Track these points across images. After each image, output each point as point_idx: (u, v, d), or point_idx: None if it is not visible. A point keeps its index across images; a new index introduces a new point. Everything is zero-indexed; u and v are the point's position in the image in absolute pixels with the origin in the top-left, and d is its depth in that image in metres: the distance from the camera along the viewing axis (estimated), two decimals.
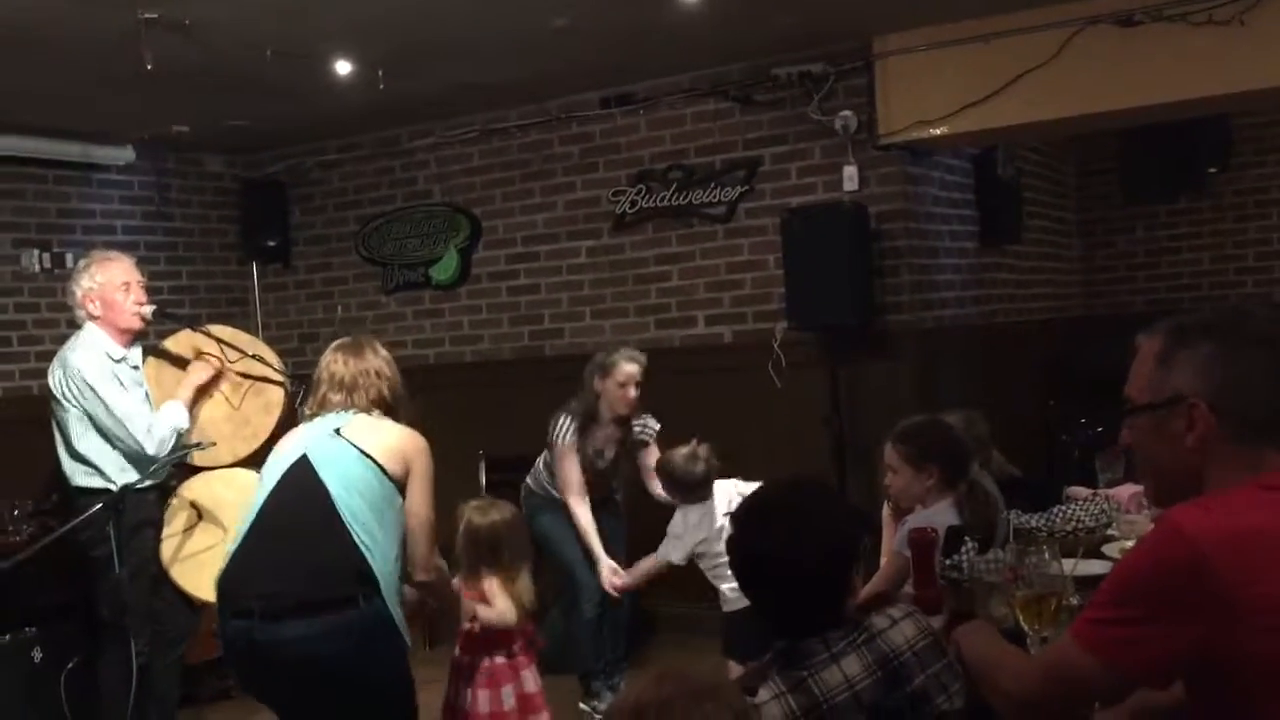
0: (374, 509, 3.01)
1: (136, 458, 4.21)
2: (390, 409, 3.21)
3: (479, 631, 3.58)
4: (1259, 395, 1.67)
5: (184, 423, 4.26)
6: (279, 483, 3.07)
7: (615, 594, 4.62)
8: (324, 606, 2.90)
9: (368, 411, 3.17)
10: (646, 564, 4.47)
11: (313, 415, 3.21)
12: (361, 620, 2.92)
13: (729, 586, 4.13)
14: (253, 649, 2.95)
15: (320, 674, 2.93)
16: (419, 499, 3.10)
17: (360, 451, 3.05)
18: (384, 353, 3.29)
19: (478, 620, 3.56)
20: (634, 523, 5.02)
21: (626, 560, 4.78)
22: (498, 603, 3.57)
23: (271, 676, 3.01)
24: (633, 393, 4.67)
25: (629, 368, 4.65)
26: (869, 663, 1.92)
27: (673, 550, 4.31)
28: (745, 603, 4.09)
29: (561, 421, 4.70)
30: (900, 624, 1.99)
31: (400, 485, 3.08)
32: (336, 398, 3.18)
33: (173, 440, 4.22)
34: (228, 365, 4.43)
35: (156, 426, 4.20)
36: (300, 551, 2.97)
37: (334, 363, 3.23)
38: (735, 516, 2.16)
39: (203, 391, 4.42)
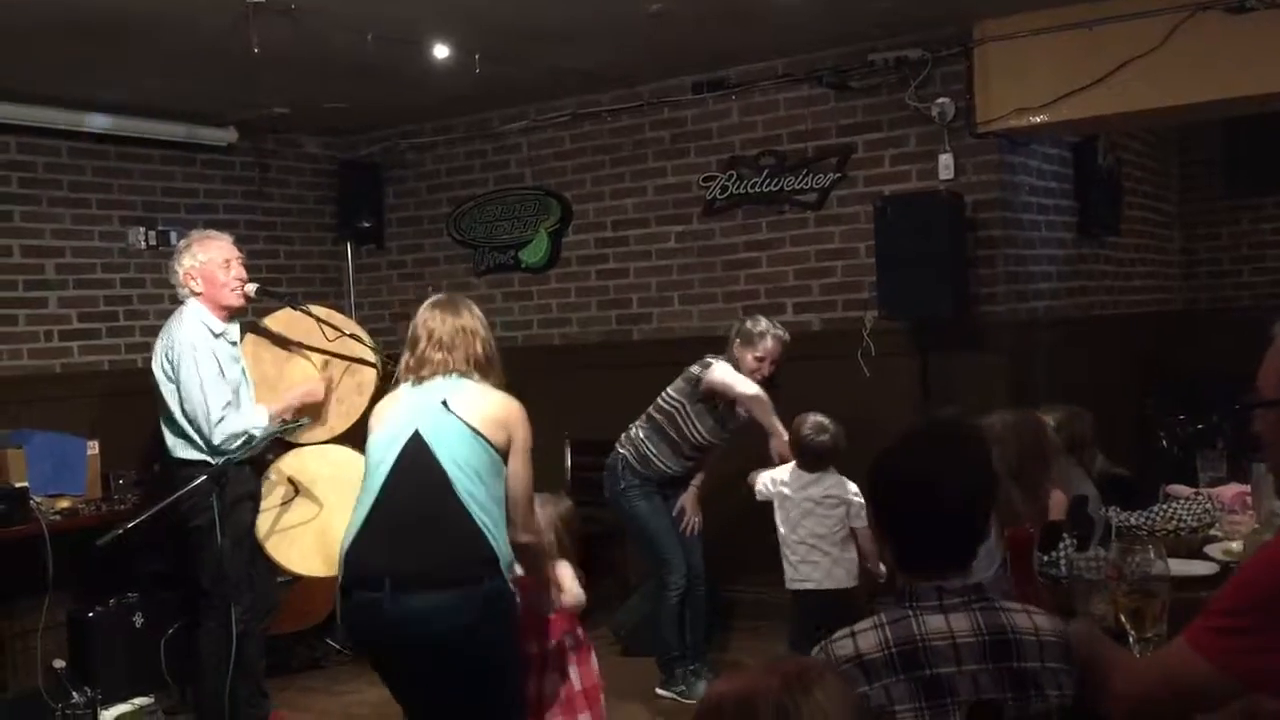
0: (488, 487, 3.08)
1: (200, 437, 4.25)
2: (484, 368, 3.24)
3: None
4: None
5: (258, 430, 4.27)
6: (397, 462, 3.11)
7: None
8: (451, 584, 3.00)
9: (467, 374, 3.20)
10: None
11: (415, 376, 3.23)
12: (485, 596, 3.02)
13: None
14: (380, 620, 3.03)
15: (443, 644, 3.01)
16: (520, 466, 3.17)
17: (470, 428, 3.10)
18: (478, 311, 3.33)
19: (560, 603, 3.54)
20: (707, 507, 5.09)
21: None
22: (570, 586, 3.56)
23: (395, 647, 3.09)
24: (767, 369, 4.74)
25: (770, 344, 4.73)
26: (979, 625, 1.87)
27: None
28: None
29: (708, 360, 4.75)
30: (1034, 614, 1.92)
31: (504, 454, 3.14)
32: (437, 356, 3.21)
33: (241, 440, 4.23)
34: (325, 343, 4.52)
35: (230, 421, 4.22)
36: (428, 535, 3.04)
37: (431, 319, 3.26)
38: (884, 449, 2.10)
39: (300, 369, 4.51)
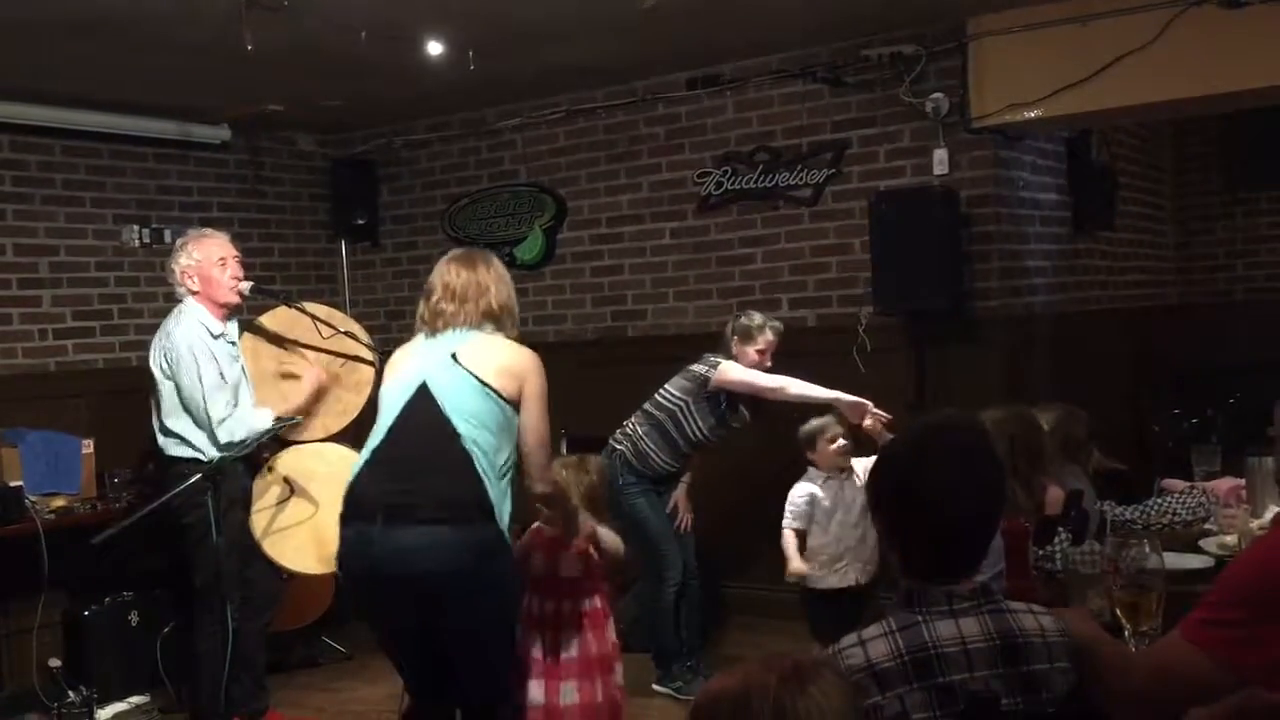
0: (495, 436, 3.11)
1: (205, 431, 4.28)
2: (497, 320, 3.25)
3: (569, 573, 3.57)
4: None
5: (262, 430, 4.30)
6: (403, 411, 3.15)
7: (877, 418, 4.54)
8: (442, 521, 3.01)
9: (479, 326, 3.21)
10: None
11: (428, 328, 3.25)
12: (478, 537, 3.03)
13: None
14: (369, 552, 3.06)
15: (427, 585, 3.02)
16: (535, 416, 3.17)
17: (478, 380, 3.11)
18: (498, 266, 3.33)
19: (597, 544, 3.56)
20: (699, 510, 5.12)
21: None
22: (608, 536, 3.60)
23: (384, 586, 3.09)
24: (768, 363, 4.74)
25: (771, 337, 4.75)
26: (989, 630, 1.83)
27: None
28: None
29: (712, 359, 4.74)
30: (1039, 615, 1.89)
31: (515, 404, 3.15)
32: (449, 308, 3.23)
33: (245, 439, 4.26)
34: (322, 341, 4.52)
35: (232, 422, 4.26)
36: (426, 474, 3.07)
37: (447, 273, 3.28)
38: (891, 451, 2.03)
39: (298, 366, 4.51)
